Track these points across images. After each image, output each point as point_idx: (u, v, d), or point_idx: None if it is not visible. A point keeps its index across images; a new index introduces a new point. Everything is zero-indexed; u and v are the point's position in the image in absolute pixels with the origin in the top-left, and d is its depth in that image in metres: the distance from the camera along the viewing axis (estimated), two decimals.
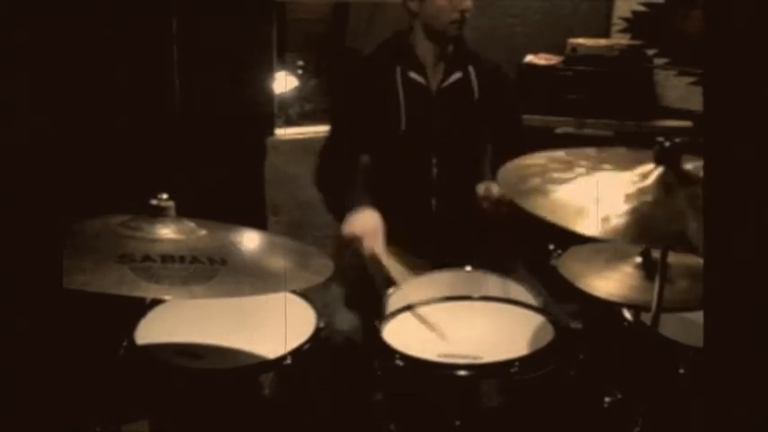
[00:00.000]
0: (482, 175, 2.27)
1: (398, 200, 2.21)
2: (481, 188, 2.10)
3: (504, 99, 2.30)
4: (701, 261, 1.72)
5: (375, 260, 1.95)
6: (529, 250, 2.13)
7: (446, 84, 2.23)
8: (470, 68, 2.24)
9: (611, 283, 1.71)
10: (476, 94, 2.23)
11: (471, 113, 2.24)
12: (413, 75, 2.21)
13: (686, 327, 1.75)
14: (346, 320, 1.98)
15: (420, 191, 2.25)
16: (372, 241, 1.97)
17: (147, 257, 1.33)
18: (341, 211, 2.07)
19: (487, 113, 2.25)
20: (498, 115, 2.28)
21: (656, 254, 1.60)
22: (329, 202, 2.25)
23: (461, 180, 2.23)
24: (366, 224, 2.00)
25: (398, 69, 2.21)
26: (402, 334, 1.67)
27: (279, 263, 1.53)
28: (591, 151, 1.55)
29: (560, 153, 1.55)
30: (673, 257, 1.59)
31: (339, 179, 2.23)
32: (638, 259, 1.74)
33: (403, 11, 2.22)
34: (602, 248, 1.87)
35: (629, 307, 1.82)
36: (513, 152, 1.61)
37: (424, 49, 2.22)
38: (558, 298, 1.89)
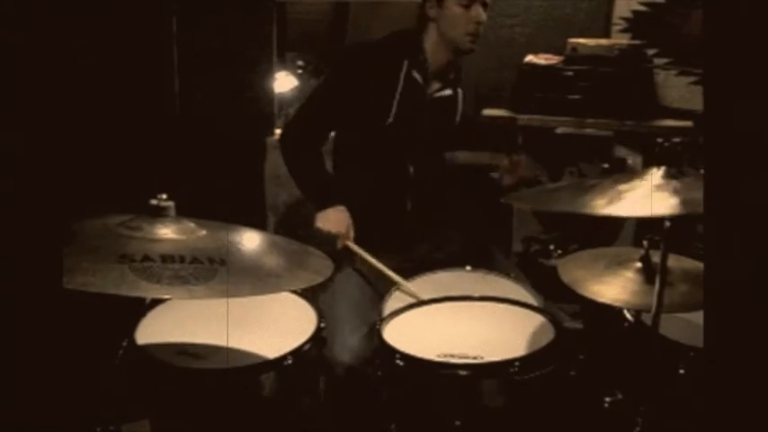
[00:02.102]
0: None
1: (374, 195, 2.25)
2: (506, 162, 2.32)
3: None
4: (700, 265, 1.73)
5: (348, 251, 2.12)
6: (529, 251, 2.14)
7: (438, 95, 2.27)
8: (459, 90, 2.31)
9: (611, 288, 1.71)
10: (457, 116, 2.33)
11: (448, 129, 2.34)
12: (415, 74, 2.21)
13: (686, 327, 1.75)
14: (346, 348, 1.87)
15: (396, 188, 2.27)
16: (345, 237, 2.13)
17: (146, 257, 1.33)
18: (309, 194, 2.26)
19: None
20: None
21: (655, 258, 1.60)
22: (296, 179, 2.31)
23: (432, 180, 2.32)
24: (338, 221, 2.15)
25: (406, 63, 2.20)
26: (402, 334, 1.67)
27: (279, 263, 1.53)
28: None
29: None
30: (672, 262, 1.59)
31: (306, 159, 2.27)
32: (638, 264, 1.73)
33: (419, 13, 2.21)
34: (602, 254, 1.87)
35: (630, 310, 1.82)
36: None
37: (434, 55, 2.22)
38: (558, 298, 1.89)
